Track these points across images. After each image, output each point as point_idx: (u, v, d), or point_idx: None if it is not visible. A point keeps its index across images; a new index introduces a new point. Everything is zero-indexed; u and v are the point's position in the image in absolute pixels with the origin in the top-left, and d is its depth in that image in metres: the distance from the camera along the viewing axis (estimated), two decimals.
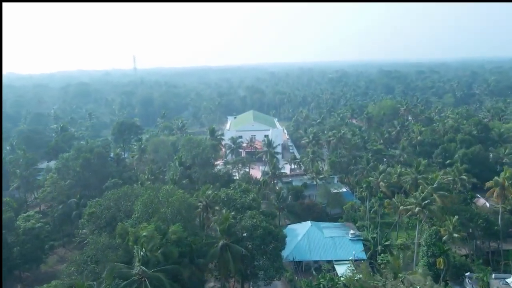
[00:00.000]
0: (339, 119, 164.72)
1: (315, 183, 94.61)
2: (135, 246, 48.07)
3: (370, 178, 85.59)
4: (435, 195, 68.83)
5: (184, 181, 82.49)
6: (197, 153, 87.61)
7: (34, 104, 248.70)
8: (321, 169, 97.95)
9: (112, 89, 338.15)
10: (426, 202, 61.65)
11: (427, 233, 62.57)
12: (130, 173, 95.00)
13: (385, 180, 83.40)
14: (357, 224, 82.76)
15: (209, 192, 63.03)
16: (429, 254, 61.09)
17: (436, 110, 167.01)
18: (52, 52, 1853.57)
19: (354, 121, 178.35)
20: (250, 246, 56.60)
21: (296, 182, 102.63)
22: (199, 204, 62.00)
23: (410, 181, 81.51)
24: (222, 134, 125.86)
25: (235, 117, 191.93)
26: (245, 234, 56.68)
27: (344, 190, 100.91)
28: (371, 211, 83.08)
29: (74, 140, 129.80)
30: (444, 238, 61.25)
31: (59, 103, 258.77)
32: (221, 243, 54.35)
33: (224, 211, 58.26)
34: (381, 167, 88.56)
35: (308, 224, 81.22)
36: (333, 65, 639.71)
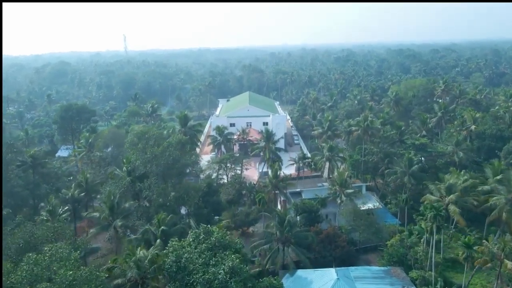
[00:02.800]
0: (356, 102, 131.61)
1: (339, 201, 61.87)
2: None
3: (432, 197, 53.16)
4: None
5: (127, 204, 50.24)
6: (153, 156, 54.69)
7: None
8: (348, 178, 64.43)
9: (95, 69, 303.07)
10: None
11: None
12: (57, 185, 62.51)
13: (458, 201, 50.98)
14: (411, 274, 50.85)
15: (142, 253, 30.28)
16: None
17: (476, 91, 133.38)
18: (46, 34, 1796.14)
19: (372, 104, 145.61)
20: None
21: (308, 194, 70.00)
22: (119, 281, 29.56)
23: (505, 206, 48.85)
24: (199, 125, 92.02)
25: (228, 100, 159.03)
26: None
27: (380, 206, 68.74)
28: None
29: (5, 131, 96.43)
30: None
31: (26, 84, 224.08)
32: None
33: None
34: (450, 179, 55.57)
35: (332, 274, 49.12)
36: (337, 47, 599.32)
